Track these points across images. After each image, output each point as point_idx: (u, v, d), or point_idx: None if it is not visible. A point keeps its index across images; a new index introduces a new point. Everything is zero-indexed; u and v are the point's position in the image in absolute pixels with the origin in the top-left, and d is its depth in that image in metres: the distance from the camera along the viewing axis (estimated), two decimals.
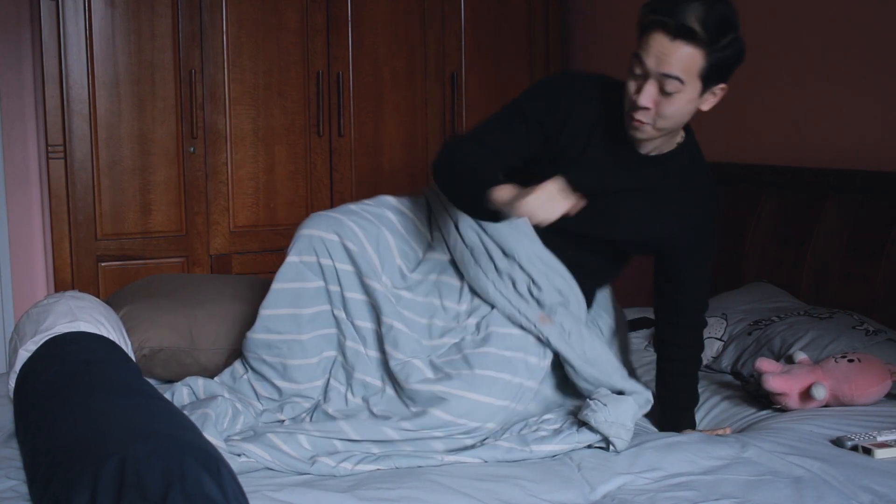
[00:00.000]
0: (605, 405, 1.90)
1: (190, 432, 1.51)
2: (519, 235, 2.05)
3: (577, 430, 1.91)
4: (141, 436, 1.42)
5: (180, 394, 2.10)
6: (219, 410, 1.93)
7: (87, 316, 2.08)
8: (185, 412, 1.86)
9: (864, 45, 2.72)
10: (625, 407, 1.91)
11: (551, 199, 1.79)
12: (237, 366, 2.14)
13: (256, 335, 2.07)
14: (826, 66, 2.84)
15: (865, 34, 2.72)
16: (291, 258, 2.04)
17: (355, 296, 2.05)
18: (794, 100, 2.94)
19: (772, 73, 2.99)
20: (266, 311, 2.06)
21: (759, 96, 3.05)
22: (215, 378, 2.15)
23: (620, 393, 2.01)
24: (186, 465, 1.35)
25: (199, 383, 2.11)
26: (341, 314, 2.05)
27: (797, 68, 2.92)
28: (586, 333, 2.05)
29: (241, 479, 1.50)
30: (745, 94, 3.09)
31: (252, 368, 2.10)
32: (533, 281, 2.04)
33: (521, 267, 2.05)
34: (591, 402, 1.94)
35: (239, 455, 1.77)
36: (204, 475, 1.35)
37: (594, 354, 2.03)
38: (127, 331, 2.27)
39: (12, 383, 1.95)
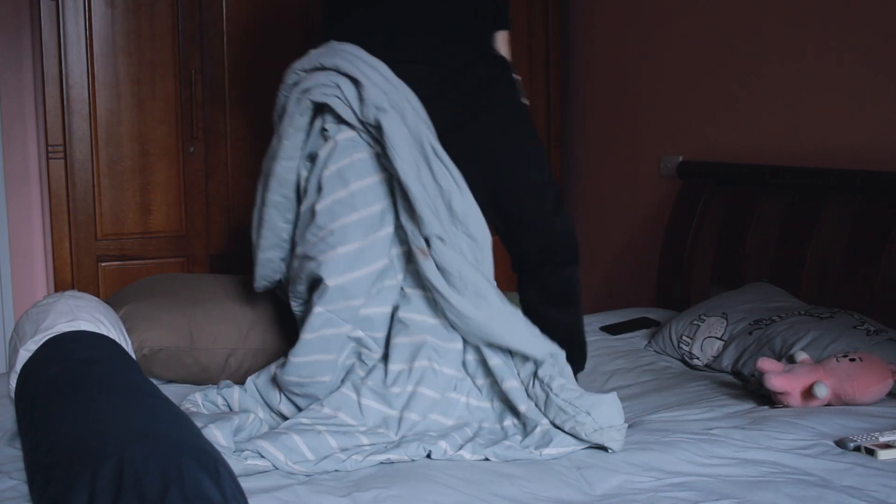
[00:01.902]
0: (589, 413, 1.86)
1: (189, 432, 1.51)
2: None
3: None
4: (139, 436, 1.41)
5: (214, 401, 2.11)
6: (244, 418, 1.94)
7: (87, 315, 2.08)
8: (213, 419, 1.88)
9: (864, 45, 2.72)
10: (607, 407, 1.87)
11: None
12: (271, 393, 2.12)
13: (287, 377, 2.05)
14: (826, 66, 2.83)
15: (865, 34, 2.72)
16: (318, 309, 2.01)
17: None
18: (795, 100, 2.94)
19: (772, 73, 2.99)
20: (295, 358, 2.03)
21: (759, 96, 3.04)
22: (248, 381, 2.15)
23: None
24: (184, 465, 1.35)
25: (235, 396, 2.12)
26: (361, 348, 2.07)
27: (797, 68, 2.92)
28: (471, 275, 2.00)
29: (242, 480, 1.50)
30: (745, 95, 3.09)
31: (285, 397, 2.10)
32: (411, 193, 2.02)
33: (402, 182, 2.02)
34: (569, 407, 1.89)
35: (246, 458, 1.77)
36: (202, 476, 1.35)
37: (479, 296, 2.00)
38: (127, 330, 2.27)
39: (13, 383, 1.95)
